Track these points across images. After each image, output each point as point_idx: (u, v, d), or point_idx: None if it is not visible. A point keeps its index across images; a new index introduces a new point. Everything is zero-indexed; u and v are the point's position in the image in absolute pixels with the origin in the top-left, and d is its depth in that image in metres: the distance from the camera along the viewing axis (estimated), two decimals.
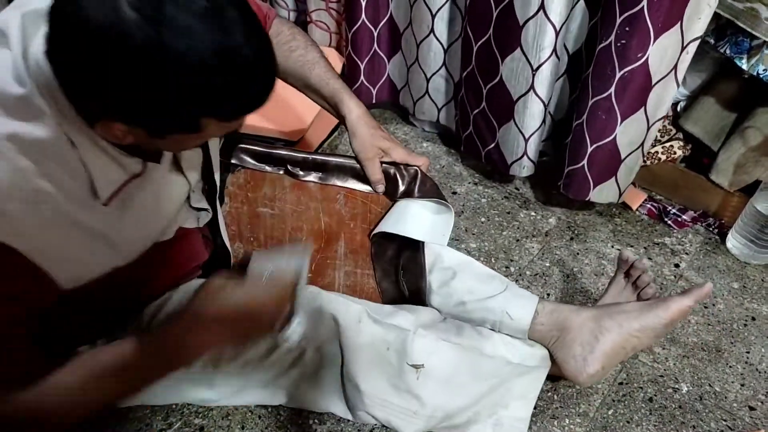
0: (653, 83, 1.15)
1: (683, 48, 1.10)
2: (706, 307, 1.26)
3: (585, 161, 1.30)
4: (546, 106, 1.33)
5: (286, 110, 1.49)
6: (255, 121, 1.44)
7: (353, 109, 0.94)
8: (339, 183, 1.00)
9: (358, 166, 0.98)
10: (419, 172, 0.99)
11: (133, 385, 0.67)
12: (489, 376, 0.88)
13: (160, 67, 0.52)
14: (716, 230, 1.42)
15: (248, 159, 0.99)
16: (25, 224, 0.58)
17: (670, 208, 1.45)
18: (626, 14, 1.10)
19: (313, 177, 1.00)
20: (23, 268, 0.59)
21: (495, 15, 1.29)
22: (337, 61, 1.68)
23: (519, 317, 0.91)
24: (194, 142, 0.67)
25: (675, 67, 1.13)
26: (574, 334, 0.89)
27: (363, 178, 0.99)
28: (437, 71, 1.54)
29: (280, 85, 1.68)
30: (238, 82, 0.56)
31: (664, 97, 1.18)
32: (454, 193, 1.52)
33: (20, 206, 0.57)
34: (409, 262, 0.96)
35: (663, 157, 1.44)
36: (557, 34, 1.20)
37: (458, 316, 0.95)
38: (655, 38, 1.09)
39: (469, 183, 1.56)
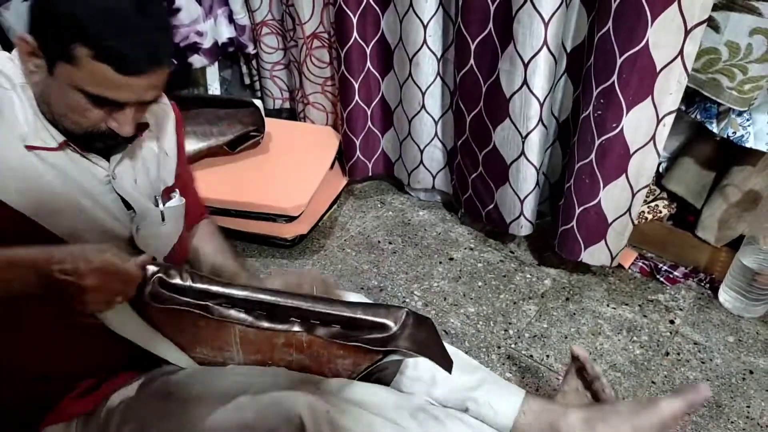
0: (631, 152, 1.22)
1: (659, 121, 1.17)
2: (703, 363, 1.28)
3: (574, 222, 1.36)
4: (538, 170, 1.40)
5: (285, 186, 1.57)
6: (255, 198, 1.52)
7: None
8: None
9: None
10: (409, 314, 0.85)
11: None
12: None
13: None
14: (708, 285, 1.46)
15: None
16: None
17: (661, 265, 1.49)
18: (600, 87, 1.19)
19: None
20: None
21: (484, 90, 1.39)
22: (334, 138, 1.78)
23: (503, 411, 0.89)
24: (79, 98, 0.71)
25: (653, 138, 1.19)
26: None
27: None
28: (430, 142, 1.64)
29: (278, 162, 1.77)
30: (111, 19, 0.68)
31: (644, 165, 1.23)
32: (451, 259, 1.58)
33: None
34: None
35: (650, 216, 1.50)
36: (541, 105, 1.30)
37: (438, 400, 0.92)
38: (628, 110, 1.17)
39: (465, 248, 1.61)
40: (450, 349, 0.93)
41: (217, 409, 0.77)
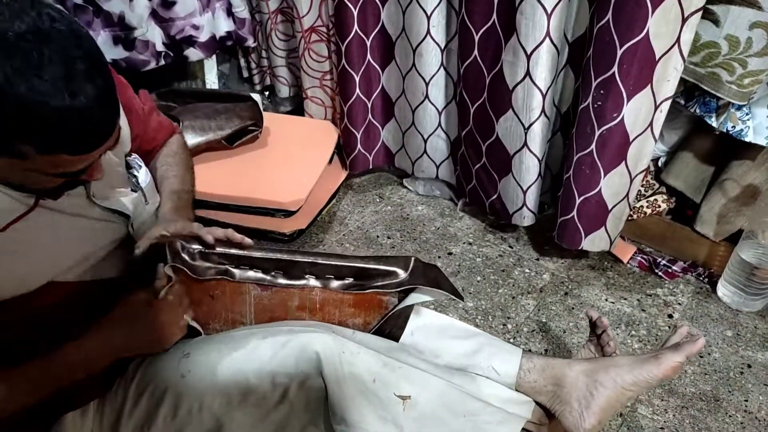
0: (631, 140, 1.23)
1: (656, 107, 1.18)
2: (701, 357, 1.28)
3: (575, 212, 1.37)
4: (541, 161, 1.40)
5: (283, 181, 1.57)
6: (254, 193, 1.51)
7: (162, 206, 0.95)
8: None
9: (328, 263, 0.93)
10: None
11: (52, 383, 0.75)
12: (471, 415, 0.87)
13: None
14: (706, 279, 1.46)
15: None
16: None
17: (660, 259, 1.49)
18: (600, 78, 1.19)
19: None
20: None
21: (488, 81, 1.39)
22: (333, 133, 1.78)
23: (505, 372, 0.93)
24: (37, 176, 0.68)
25: (651, 124, 1.21)
26: (569, 388, 0.91)
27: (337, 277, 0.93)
28: (434, 132, 1.64)
29: (276, 157, 1.76)
30: (51, 113, 0.59)
31: (642, 151, 1.25)
32: (450, 253, 1.57)
33: None
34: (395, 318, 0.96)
35: (648, 211, 1.50)
36: (544, 96, 1.30)
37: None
38: (628, 100, 1.17)
39: (464, 243, 1.61)
40: (445, 318, 1.01)
41: (231, 354, 0.81)
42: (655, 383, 0.91)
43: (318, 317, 0.92)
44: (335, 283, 0.90)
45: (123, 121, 0.88)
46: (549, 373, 0.93)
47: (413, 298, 0.93)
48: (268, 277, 0.88)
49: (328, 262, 0.90)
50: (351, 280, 0.91)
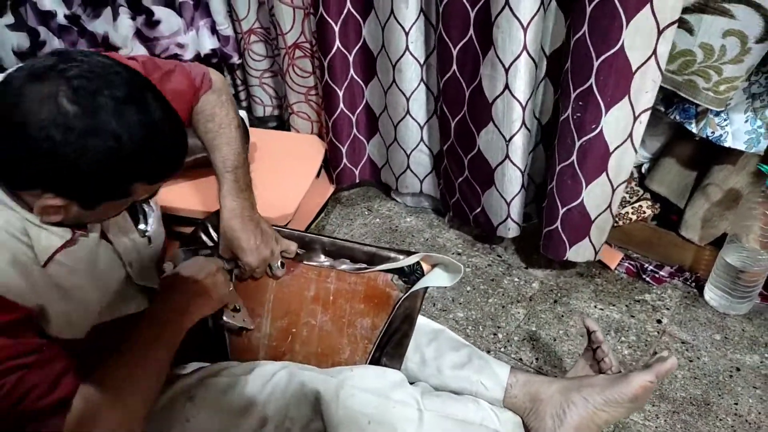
0: (611, 150, 1.23)
1: (635, 118, 1.19)
2: (691, 361, 1.28)
3: (558, 223, 1.37)
4: (523, 173, 1.41)
5: (272, 195, 1.56)
6: None
7: (226, 205, 0.99)
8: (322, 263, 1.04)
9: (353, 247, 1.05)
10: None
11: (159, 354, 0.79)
12: None
13: (99, 147, 0.63)
14: (693, 284, 1.47)
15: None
16: None
17: (647, 265, 1.50)
18: (578, 90, 1.20)
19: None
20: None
21: (467, 95, 1.40)
22: (319, 147, 1.78)
23: (492, 387, 0.94)
24: (122, 208, 0.77)
25: (630, 135, 1.22)
26: (544, 406, 0.91)
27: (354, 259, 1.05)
28: (416, 147, 1.65)
29: (263, 172, 1.76)
30: (160, 149, 0.69)
31: (623, 162, 1.26)
32: None
33: None
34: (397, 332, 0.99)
35: (634, 217, 1.51)
36: (524, 109, 1.30)
37: (434, 385, 0.97)
38: (606, 111, 1.18)
39: (453, 253, 1.62)
40: (436, 326, 1.06)
41: (235, 398, 0.83)
42: (629, 406, 0.90)
43: (330, 315, 0.99)
44: (349, 265, 1.02)
45: None
46: (528, 388, 0.94)
47: (419, 284, 0.98)
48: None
49: (344, 244, 1.03)
50: (363, 265, 1.02)
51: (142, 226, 0.91)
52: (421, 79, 1.52)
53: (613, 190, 1.30)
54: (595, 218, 1.34)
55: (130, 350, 0.76)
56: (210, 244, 1.04)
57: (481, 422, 0.90)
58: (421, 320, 1.03)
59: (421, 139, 1.63)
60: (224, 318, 0.94)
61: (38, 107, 0.61)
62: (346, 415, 0.82)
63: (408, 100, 1.55)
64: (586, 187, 1.29)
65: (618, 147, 1.23)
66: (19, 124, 0.61)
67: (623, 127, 1.20)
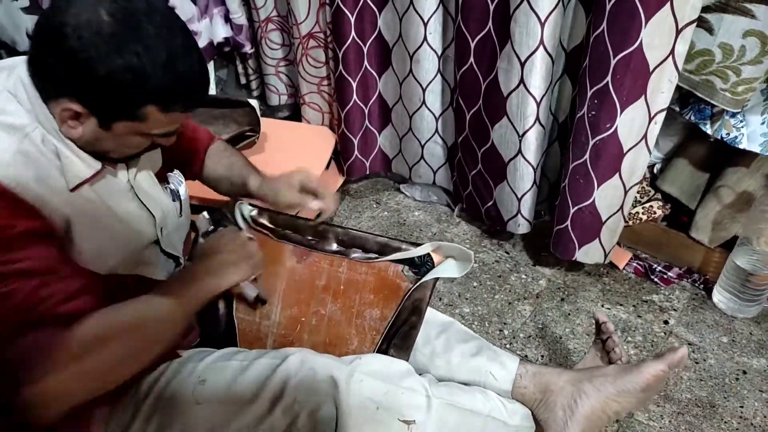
0: (625, 151, 1.23)
1: (651, 119, 1.18)
2: (697, 363, 1.28)
3: (569, 222, 1.37)
4: (535, 169, 1.41)
5: None
6: (251, 199, 1.51)
7: (258, 177, 1.08)
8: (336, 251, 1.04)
9: (364, 236, 1.05)
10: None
11: (176, 318, 0.80)
12: None
13: (120, 56, 0.66)
14: (702, 286, 1.46)
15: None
16: (21, 175, 0.68)
17: (655, 265, 1.50)
18: (595, 88, 1.20)
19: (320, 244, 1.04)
20: (22, 204, 0.68)
21: (483, 88, 1.40)
22: (330, 138, 1.78)
23: (502, 377, 0.94)
24: (138, 141, 0.77)
25: (645, 136, 1.21)
26: (555, 397, 0.91)
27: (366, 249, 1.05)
28: (431, 138, 1.65)
29: (273, 162, 1.77)
30: (177, 74, 0.70)
31: (637, 163, 1.25)
32: None
33: (14, 159, 0.68)
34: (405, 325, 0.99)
35: (644, 217, 1.50)
36: (538, 104, 1.30)
37: (443, 376, 0.97)
38: (621, 110, 1.17)
39: None
40: (445, 318, 1.07)
41: (246, 381, 0.83)
42: (641, 395, 0.90)
43: (339, 304, 0.99)
44: (360, 254, 1.02)
45: None
46: (539, 379, 0.94)
47: (429, 275, 0.97)
48: (305, 240, 1.03)
49: (357, 234, 1.03)
50: (375, 255, 1.02)
51: (173, 186, 0.94)
52: (438, 71, 1.52)
53: (626, 192, 1.29)
54: (606, 219, 1.33)
55: (150, 298, 0.78)
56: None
57: (489, 413, 0.90)
58: (431, 312, 1.03)
59: (436, 131, 1.63)
60: (242, 286, 0.95)
61: (80, 12, 0.66)
62: (355, 402, 0.82)
63: (424, 91, 1.55)
64: (598, 187, 1.29)
65: (632, 148, 1.22)
66: (60, 24, 0.66)
67: (638, 128, 1.20)
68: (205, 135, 1.09)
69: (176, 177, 0.97)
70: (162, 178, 0.94)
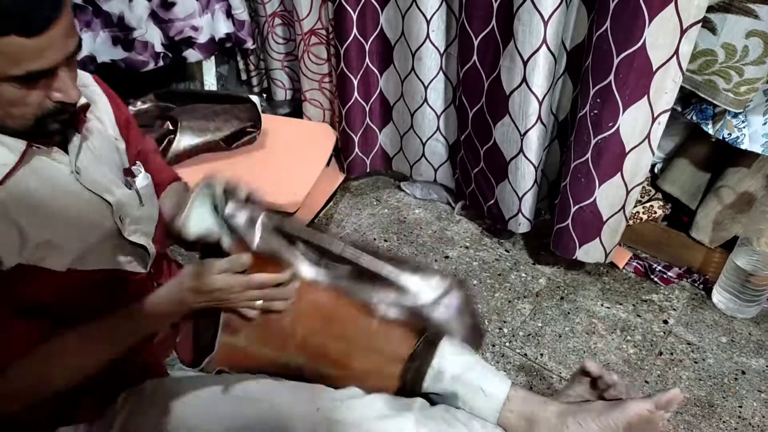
0: (627, 151, 1.22)
1: (654, 119, 1.18)
2: (696, 362, 1.28)
3: (570, 220, 1.37)
4: (537, 168, 1.41)
5: (281, 182, 1.57)
6: None
7: None
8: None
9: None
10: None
11: (120, 340, 0.80)
12: None
13: None
14: (702, 286, 1.46)
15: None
16: None
17: (655, 265, 1.50)
18: (597, 87, 1.19)
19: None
20: None
21: (486, 86, 1.40)
22: (331, 135, 1.78)
23: (492, 394, 0.91)
24: (7, 88, 0.66)
25: (648, 136, 1.20)
26: (540, 428, 0.89)
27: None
28: (432, 135, 1.65)
29: (274, 159, 1.76)
30: None
31: (639, 163, 1.24)
32: (447, 257, 1.58)
33: None
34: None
35: (644, 217, 1.51)
36: (540, 103, 1.30)
37: (434, 390, 0.93)
38: (624, 110, 1.17)
39: (461, 247, 1.61)
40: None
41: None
42: (622, 431, 0.87)
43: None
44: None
45: (107, 111, 0.90)
46: (523, 408, 0.91)
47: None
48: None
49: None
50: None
51: (128, 178, 0.88)
52: (441, 68, 1.52)
53: (628, 192, 1.29)
54: (607, 219, 1.33)
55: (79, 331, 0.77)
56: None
57: None
58: None
59: (438, 128, 1.63)
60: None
61: None
62: None
63: (426, 88, 1.55)
64: (600, 186, 1.29)
65: (635, 148, 1.22)
66: None
67: (641, 128, 1.19)
68: (166, 176, 1.03)
69: (137, 168, 0.91)
70: (126, 172, 0.90)
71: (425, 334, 0.91)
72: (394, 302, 0.88)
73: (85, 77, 0.87)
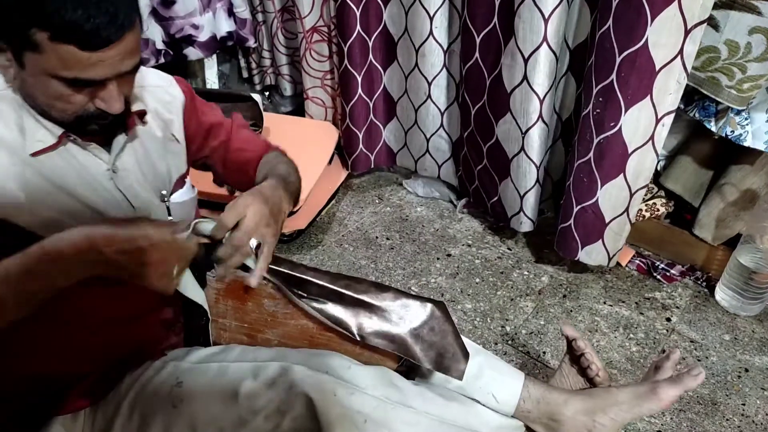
0: (630, 151, 1.21)
1: (658, 120, 1.16)
2: (699, 360, 1.28)
3: (572, 221, 1.36)
4: (538, 167, 1.40)
5: None
6: None
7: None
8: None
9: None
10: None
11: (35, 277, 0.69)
12: None
13: None
14: (704, 283, 1.46)
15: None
16: None
17: (658, 263, 1.50)
18: (600, 86, 1.19)
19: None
20: None
21: (488, 83, 1.40)
22: (333, 133, 1.78)
23: (504, 401, 0.90)
24: (56, 85, 0.69)
25: (652, 137, 1.19)
26: (566, 426, 0.89)
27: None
28: (436, 132, 1.65)
29: None
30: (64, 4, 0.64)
31: (643, 165, 1.23)
32: (449, 255, 1.58)
33: None
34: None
35: (647, 215, 1.50)
36: (541, 101, 1.29)
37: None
38: (626, 109, 1.16)
39: (463, 245, 1.61)
40: None
41: (224, 390, 0.79)
42: (649, 414, 0.91)
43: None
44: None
45: (177, 112, 0.90)
46: (544, 408, 0.91)
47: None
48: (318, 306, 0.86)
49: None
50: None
51: (164, 192, 0.87)
52: (444, 65, 1.51)
53: (631, 195, 1.27)
54: (610, 221, 1.32)
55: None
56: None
57: (480, 429, 0.87)
58: None
59: (441, 125, 1.63)
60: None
61: None
62: (342, 414, 0.79)
63: (430, 84, 1.55)
64: (602, 186, 1.28)
65: (638, 149, 1.21)
66: None
67: (644, 129, 1.18)
68: (258, 146, 0.99)
69: (187, 183, 0.92)
70: (179, 182, 0.89)
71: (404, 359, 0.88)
72: (376, 331, 0.85)
73: (164, 79, 0.89)
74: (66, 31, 0.64)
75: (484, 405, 0.91)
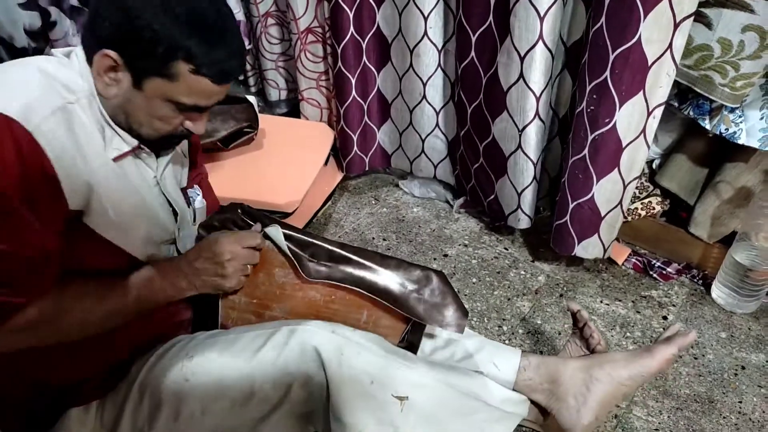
0: (624, 146, 1.23)
1: (649, 113, 1.18)
2: (696, 358, 1.28)
3: (568, 217, 1.37)
4: (535, 164, 1.41)
5: (279, 182, 1.57)
6: (249, 195, 1.51)
7: None
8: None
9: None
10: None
11: (139, 302, 0.82)
12: (468, 415, 0.88)
13: (167, 8, 0.69)
14: (701, 281, 1.46)
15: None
16: (57, 139, 0.69)
17: (654, 261, 1.50)
18: (594, 83, 1.19)
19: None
20: (46, 173, 0.68)
21: (484, 82, 1.40)
22: (328, 135, 1.78)
23: (505, 368, 0.95)
24: (168, 108, 0.76)
25: (643, 130, 1.20)
26: (565, 385, 0.92)
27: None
28: (431, 132, 1.65)
29: (272, 159, 1.76)
30: (215, 39, 0.72)
31: (635, 158, 1.25)
32: (446, 255, 1.58)
33: (55, 123, 0.69)
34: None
35: (643, 213, 1.50)
36: (538, 99, 1.30)
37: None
38: (620, 105, 1.17)
39: (460, 245, 1.61)
40: None
41: (235, 359, 0.83)
42: (649, 377, 0.93)
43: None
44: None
45: (186, 154, 1.01)
46: (544, 370, 0.95)
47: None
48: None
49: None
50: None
51: (190, 195, 0.97)
52: (439, 65, 1.52)
53: (625, 187, 1.29)
54: (605, 215, 1.33)
55: (116, 286, 0.81)
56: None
57: (484, 398, 0.90)
58: None
59: (437, 125, 1.63)
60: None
61: None
62: (349, 374, 0.81)
63: (425, 85, 1.55)
64: (597, 182, 1.28)
65: (631, 142, 1.22)
66: None
67: (637, 122, 1.19)
68: (215, 199, 1.12)
69: (194, 191, 1.00)
70: (183, 191, 0.98)
71: (411, 321, 0.95)
72: (382, 290, 0.92)
73: None
74: (209, 66, 0.73)
75: (486, 376, 0.95)
